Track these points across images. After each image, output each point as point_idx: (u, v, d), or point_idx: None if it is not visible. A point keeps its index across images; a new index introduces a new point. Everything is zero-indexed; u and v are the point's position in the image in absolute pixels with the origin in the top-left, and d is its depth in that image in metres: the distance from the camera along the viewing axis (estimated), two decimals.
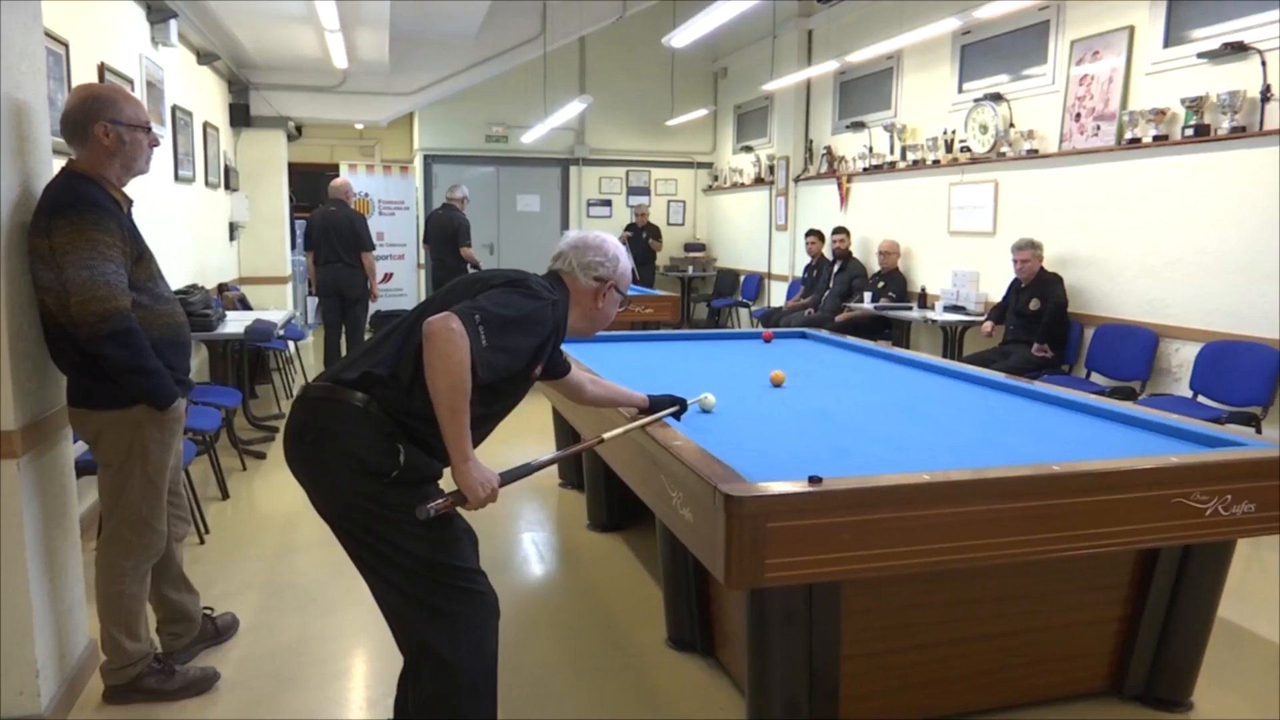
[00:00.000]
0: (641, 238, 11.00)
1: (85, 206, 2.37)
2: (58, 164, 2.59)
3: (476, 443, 2.00)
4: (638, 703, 2.72)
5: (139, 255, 2.54)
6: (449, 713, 2.02)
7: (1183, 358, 5.12)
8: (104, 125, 2.45)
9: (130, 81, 5.23)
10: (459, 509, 1.99)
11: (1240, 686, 2.84)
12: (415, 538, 1.98)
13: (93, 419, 2.54)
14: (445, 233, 8.26)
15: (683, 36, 6.25)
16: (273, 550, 3.96)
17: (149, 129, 2.60)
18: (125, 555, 2.62)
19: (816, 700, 2.30)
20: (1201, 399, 4.85)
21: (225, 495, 4.68)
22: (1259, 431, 4.52)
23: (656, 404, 2.66)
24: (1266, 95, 4.59)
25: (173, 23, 5.94)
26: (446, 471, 2.04)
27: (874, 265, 7.99)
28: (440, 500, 1.93)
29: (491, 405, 2.09)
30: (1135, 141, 5.35)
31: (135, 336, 2.43)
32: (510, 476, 2.05)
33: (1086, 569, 2.56)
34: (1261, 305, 4.69)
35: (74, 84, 4.23)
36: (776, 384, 3.48)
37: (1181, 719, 2.64)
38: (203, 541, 4.01)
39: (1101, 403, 3.07)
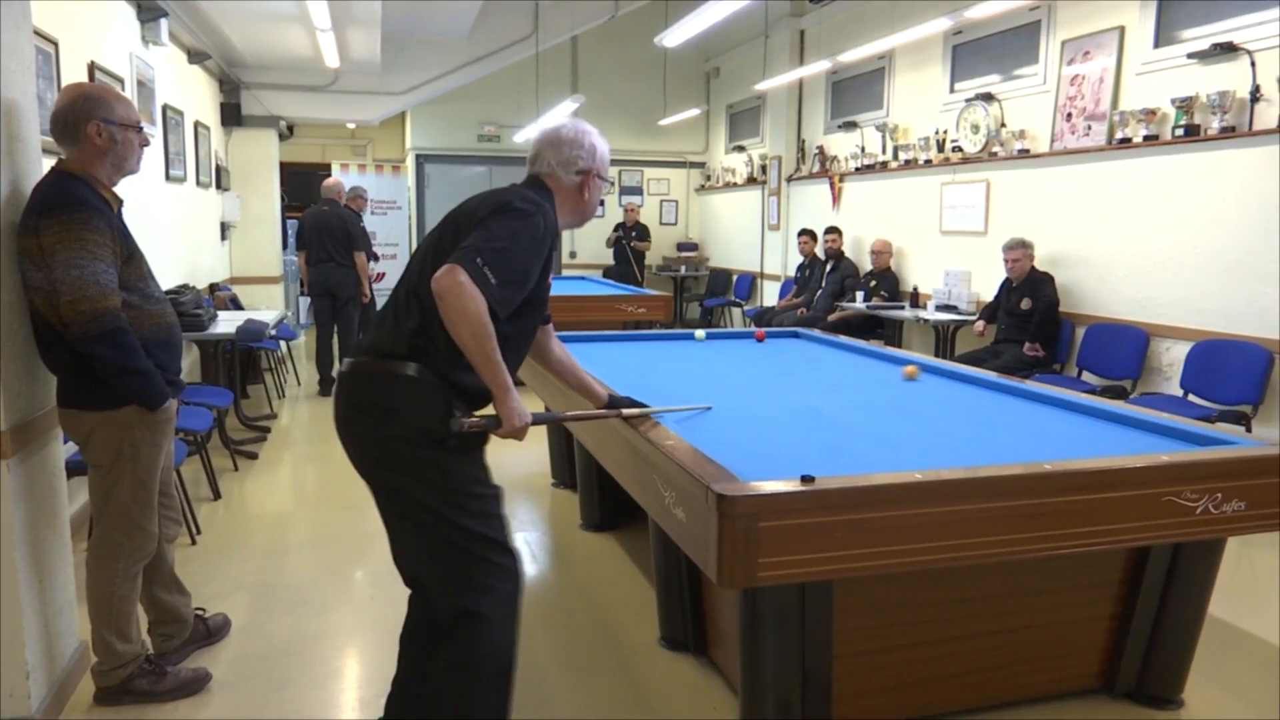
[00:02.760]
0: (629, 239, 10.98)
1: (75, 206, 2.36)
2: (47, 163, 2.57)
3: (516, 366, 2.15)
4: (630, 702, 2.72)
5: (129, 255, 2.53)
6: (479, 671, 2.09)
7: (1173, 357, 5.14)
8: (96, 124, 2.44)
9: (120, 80, 5.20)
10: (491, 434, 2.10)
11: (1230, 684, 2.85)
12: (474, 514, 2.08)
13: (83, 419, 2.52)
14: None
15: (675, 36, 6.26)
16: (264, 551, 3.95)
17: (140, 128, 2.59)
18: (115, 557, 2.60)
19: (809, 699, 2.31)
20: (1192, 398, 4.87)
21: (217, 496, 4.67)
22: (1249, 430, 4.54)
23: (615, 403, 2.64)
24: (1256, 95, 4.61)
25: (163, 21, 5.93)
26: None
27: (866, 265, 8.01)
28: (476, 419, 2.05)
29: (520, 323, 2.17)
30: (1126, 141, 5.37)
31: (125, 336, 2.41)
32: (539, 419, 2.21)
33: (1077, 567, 2.57)
34: (1252, 304, 4.71)
35: (64, 83, 4.21)
36: (910, 377, 3.62)
37: (1172, 716, 2.65)
38: (194, 542, 4.00)
39: (1092, 401, 3.08)
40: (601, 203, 12.55)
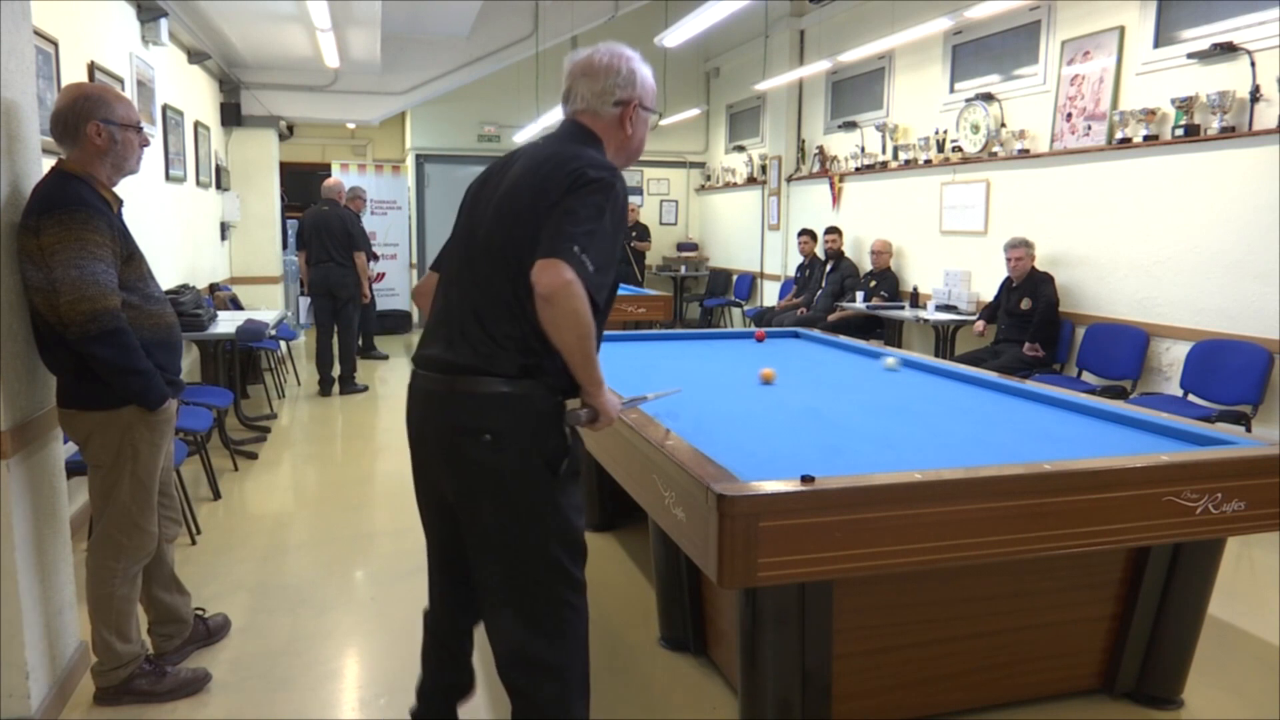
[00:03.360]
0: (629, 238, 10.98)
1: (75, 205, 2.35)
2: (47, 163, 2.58)
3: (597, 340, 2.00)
4: (630, 702, 2.72)
5: (129, 255, 2.52)
6: (564, 713, 2.00)
7: (1173, 357, 5.14)
8: (96, 124, 2.44)
9: (120, 80, 5.20)
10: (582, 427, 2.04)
11: (1230, 684, 2.85)
12: (562, 545, 1.96)
13: (83, 420, 2.52)
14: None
15: (675, 36, 6.26)
16: (264, 551, 3.94)
17: (140, 128, 2.59)
18: (115, 557, 2.60)
19: (809, 699, 2.31)
20: (1192, 398, 4.87)
21: (217, 496, 4.66)
22: (1249, 430, 4.54)
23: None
24: (1255, 95, 4.61)
25: (163, 21, 5.93)
26: None
27: (866, 265, 8.01)
28: (580, 414, 1.97)
29: (608, 307, 2.01)
30: (1126, 141, 5.37)
31: (125, 336, 2.41)
32: (627, 404, 2.16)
33: (1077, 567, 2.57)
34: (1251, 304, 4.71)
35: (64, 83, 4.21)
36: (767, 381, 3.49)
37: (1172, 716, 2.65)
38: (194, 542, 4.00)
39: (1092, 401, 3.08)
40: None
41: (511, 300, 1.87)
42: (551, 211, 1.82)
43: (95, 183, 2.48)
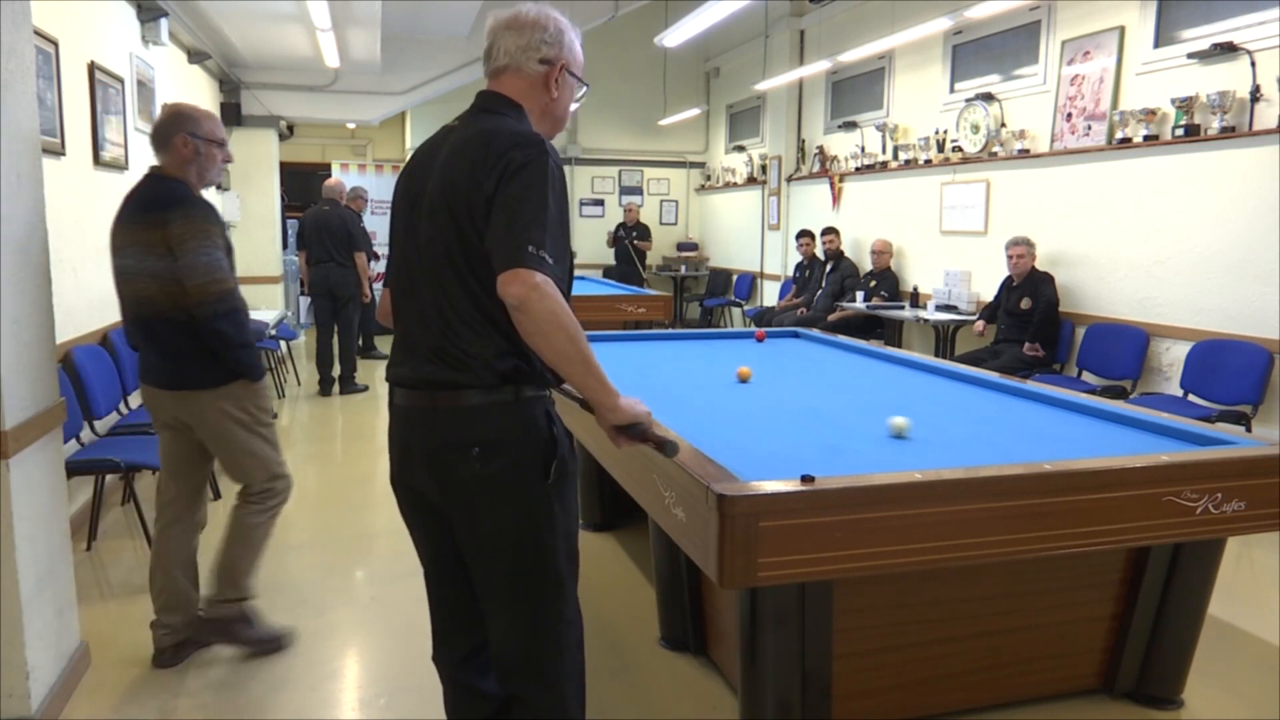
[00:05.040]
0: (630, 238, 10.98)
1: (195, 202, 2.74)
2: (48, 164, 2.59)
3: None
4: (630, 702, 2.72)
5: (228, 247, 2.85)
6: (562, 715, 1.94)
7: (1173, 356, 5.14)
8: (184, 136, 2.78)
9: (120, 80, 5.20)
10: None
11: (1230, 684, 2.85)
12: (561, 550, 1.86)
13: (194, 399, 2.79)
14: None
15: (675, 36, 6.26)
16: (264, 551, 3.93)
17: (223, 144, 2.88)
18: (263, 509, 2.96)
19: (809, 699, 2.31)
20: (1192, 398, 4.87)
21: (217, 496, 4.66)
22: (1249, 430, 4.54)
23: None
24: (1256, 95, 4.61)
25: (163, 21, 5.93)
26: None
27: (866, 264, 8.01)
28: (658, 438, 1.80)
29: (569, 287, 1.85)
30: (1126, 141, 5.37)
31: (242, 315, 2.77)
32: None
33: (1077, 567, 2.57)
34: (1251, 304, 4.71)
35: (64, 82, 4.22)
36: (743, 380, 3.51)
37: (1172, 716, 2.65)
38: None
39: (1092, 401, 3.08)
40: (601, 202, 12.37)
41: (472, 310, 1.75)
42: (491, 208, 1.69)
43: (189, 185, 2.80)
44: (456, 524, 1.88)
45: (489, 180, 1.70)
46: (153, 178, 2.80)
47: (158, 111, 6.11)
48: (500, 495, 1.80)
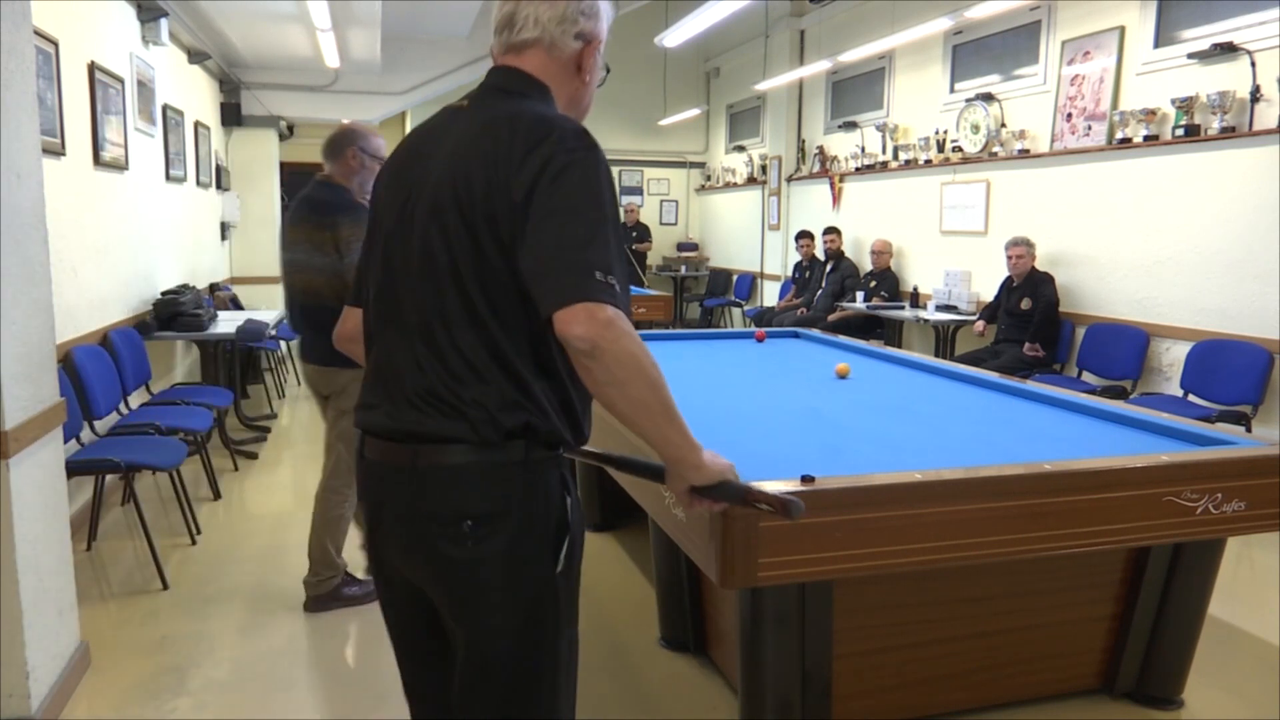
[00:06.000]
0: (630, 239, 10.98)
1: (360, 209, 3.07)
2: (48, 164, 2.59)
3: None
4: (630, 702, 2.72)
5: None
6: None
7: (1173, 357, 5.14)
8: (354, 149, 3.18)
9: (121, 80, 5.20)
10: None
11: (1230, 684, 2.85)
12: (567, 662, 1.49)
13: (339, 375, 3.13)
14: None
15: (675, 36, 6.27)
16: (264, 551, 3.95)
17: (383, 161, 3.07)
18: (349, 484, 3.14)
19: (809, 699, 2.31)
20: (1192, 398, 4.87)
21: (217, 496, 4.67)
22: (1249, 430, 4.54)
23: None
24: (1256, 96, 4.61)
25: (163, 21, 5.92)
26: None
27: (866, 265, 8.01)
28: (767, 496, 1.48)
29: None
30: (1126, 141, 5.37)
31: None
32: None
33: (1078, 567, 2.57)
34: (1251, 305, 4.71)
35: (64, 82, 4.21)
36: (842, 376, 3.64)
37: (1172, 717, 2.65)
38: (194, 542, 4.00)
39: (1093, 401, 3.08)
40: None
41: (477, 346, 1.37)
42: (525, 219, 1.32)
43: (352, 193, 3.17)
44: (442, 613, 1.49)
45: (519, 180, 1.33)
46: (322, 184, 3.21)
47: (157, 111, 6.14)
48: (496, 584, 1.40)
